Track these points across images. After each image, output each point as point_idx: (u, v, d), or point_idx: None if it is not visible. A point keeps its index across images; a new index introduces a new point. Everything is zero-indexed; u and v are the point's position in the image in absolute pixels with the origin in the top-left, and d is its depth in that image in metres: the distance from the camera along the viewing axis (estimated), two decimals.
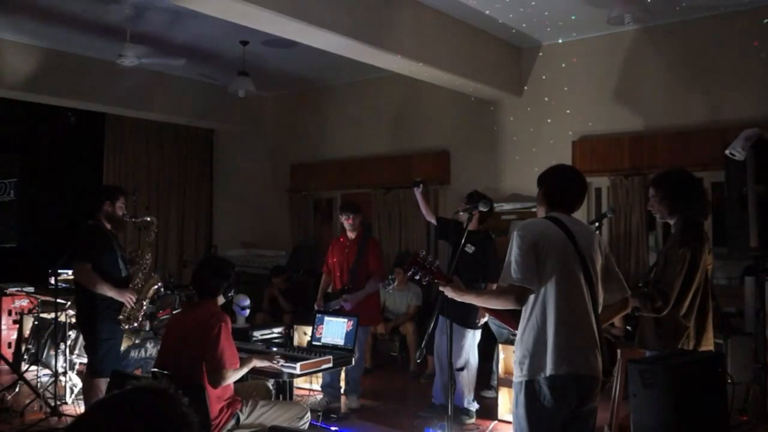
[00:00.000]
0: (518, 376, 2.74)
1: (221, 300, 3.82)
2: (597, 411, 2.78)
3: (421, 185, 5.59)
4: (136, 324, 4.66)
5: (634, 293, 3.41)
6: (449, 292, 2.91)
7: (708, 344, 3.40)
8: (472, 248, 5.14)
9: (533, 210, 3.39)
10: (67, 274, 6.03)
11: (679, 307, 3.30)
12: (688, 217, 3.42)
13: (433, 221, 5.66)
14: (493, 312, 3.02)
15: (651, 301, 3.29)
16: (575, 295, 2.70)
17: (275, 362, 3.93)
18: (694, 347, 3.33)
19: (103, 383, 4.26)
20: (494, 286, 5.58)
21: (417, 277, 2.93)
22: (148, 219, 4.96)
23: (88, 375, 4.58)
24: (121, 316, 4.54)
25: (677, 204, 3.43)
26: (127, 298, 4.52)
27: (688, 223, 3.41)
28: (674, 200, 3.43)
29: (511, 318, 2.91)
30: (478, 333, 5.29)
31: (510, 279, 2.72)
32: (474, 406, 5.37)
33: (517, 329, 2.87)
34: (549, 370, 2.63)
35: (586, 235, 2.84)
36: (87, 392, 4.56)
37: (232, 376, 3.57)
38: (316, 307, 5.59)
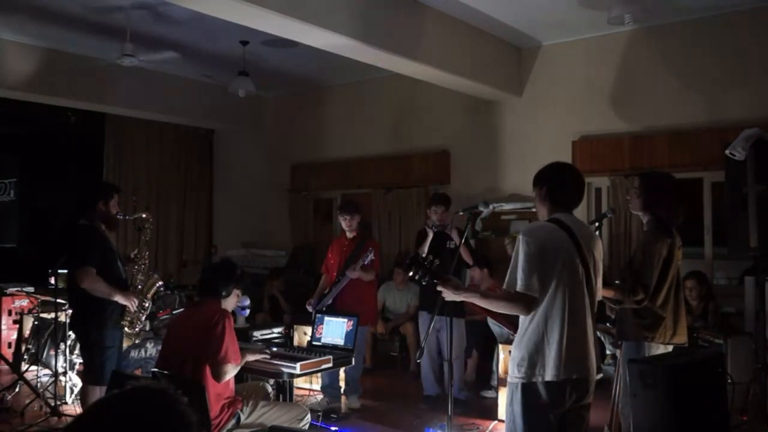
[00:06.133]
0: (515, 377, 2.76)
1: (229, 302, 3.80)
2: (590, 406, 2.82)
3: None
4: (138, 328, 4.63)
5: (615, 287, 3.66)
6: (448, 293, 2.87)
7: (682, 333, 3.65)
8: (452, 243, 5.18)
9: (533, 210, 3.39)
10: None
11: (656, 298, 3.55)
12: (658, 216, 3.67)
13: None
14: (490, 312, 3.00)
15: (632, 293, 3.51)
16: (578, 302, 2.74)
17: (266, 354, 3.99)
18: (671, 337, 3.58)
19: (103, 390, 4.20)
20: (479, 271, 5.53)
21: (417, 278, 2.88)
22: (144, 216, 4.90)
23: (87, 382, 4.43)
24: (124, 321, 4.45)
25: (650, 202, 3.69)
26: (132, 302, 4.43)
27: (658, 221, 3.67)
28: (649, 198, 3.69)
29: (506, 320, 2.92)
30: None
31: (518, 286, 2.72)
32: (464, 395, 5.57)
33: (513, 330, 2.89)
34: (548, 375, 2.67)
35: (588, 237, 2.86)
36: (85, 399, 4.40)
37: (233, 371, 3.61)
38: (308, 305, 5.59)
